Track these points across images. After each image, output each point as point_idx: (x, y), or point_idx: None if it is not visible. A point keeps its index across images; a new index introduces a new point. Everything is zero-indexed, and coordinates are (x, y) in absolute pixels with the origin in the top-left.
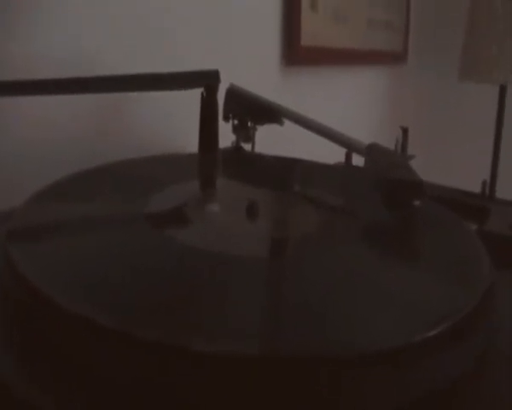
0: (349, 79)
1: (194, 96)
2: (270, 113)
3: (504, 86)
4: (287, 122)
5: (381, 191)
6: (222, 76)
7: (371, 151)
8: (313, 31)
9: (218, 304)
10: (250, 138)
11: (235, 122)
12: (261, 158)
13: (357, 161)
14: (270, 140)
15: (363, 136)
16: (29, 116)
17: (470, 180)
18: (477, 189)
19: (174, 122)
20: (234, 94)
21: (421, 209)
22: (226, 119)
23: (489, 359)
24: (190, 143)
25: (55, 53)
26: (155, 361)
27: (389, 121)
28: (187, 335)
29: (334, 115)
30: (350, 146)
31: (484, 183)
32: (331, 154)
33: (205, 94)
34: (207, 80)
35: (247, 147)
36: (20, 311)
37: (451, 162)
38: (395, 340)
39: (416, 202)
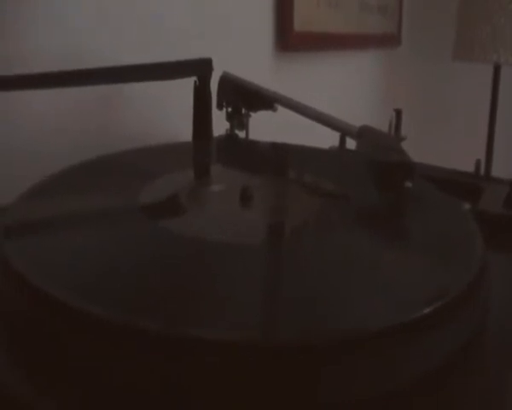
0: (343, 64)
1: (187, 85)
2: (263, 99)
3: (498, 66)
4: (281, 108)
5: (372, 174)
6: (215, 64)
7: (363, 134)
8: (306, 16)
9: (216, 293)
10: (244, 125)
11: (229, 110)
12: (255, 144)
13: (352, 144)
14: (265, 126)
15: (359, 119)
16: (21, 111)
17: (465, 161)
18: (472, 169)
19: (167, 112)
20: (227, 82)
21: (413, 190)
22: (220, 106)
23: (483, 335)
24: (184, 132)
25: (50, 48)
26: (155, 354)
27: (384, 104)
28: (187, 325)
29: (329, 100)
30: (342, 130)
31: (477, 162)
32: (326, 138)
33: (198, 82)
34: (200, 69)
35: (241, 134)
36: (17, 309)
37: (446, 143)
38: (391, 320)
39: (408, 184)
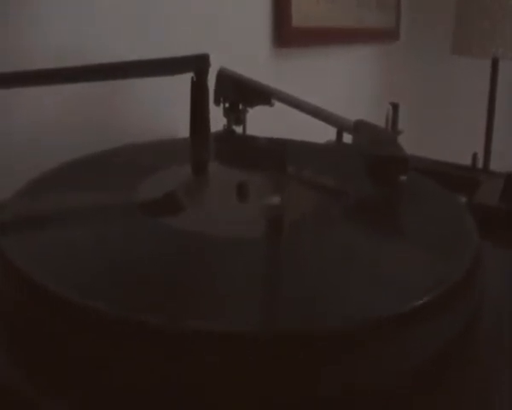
0: (341, 58)
1: (184, 80)
2: (260, 95)
3: (497, 60)
4: (278, 103)
5: (367, 168)
6: (212, 60)
7: (358, 128)
8: (304, 11)
9: (215, 287)
10: (241, 121)
11: (227, 105)
12: (253, 140)
13: (349, 139)
14: (262, 122)
15: (357, 114)
16: (21, 106)
17: (464, 154)
18: (470, 163)
19: (164, 108)
20: (224, 77)
21: (409, 183)
22: (217, 102)
23: (479, 327)
24: (182, 127)
25: (51, 46)
26: (155, 353)
27: (383, 98)
28: (187, 319)
29: (328, 94)
30: (338, 124)
31: (474, 155)
32: (323, 133)
33: (195, 78)
34: (197, 65)
35: (238, 129)
36: (16, 307)
37: (445, 137)
38: (387, 310)
39: (402, 178)
